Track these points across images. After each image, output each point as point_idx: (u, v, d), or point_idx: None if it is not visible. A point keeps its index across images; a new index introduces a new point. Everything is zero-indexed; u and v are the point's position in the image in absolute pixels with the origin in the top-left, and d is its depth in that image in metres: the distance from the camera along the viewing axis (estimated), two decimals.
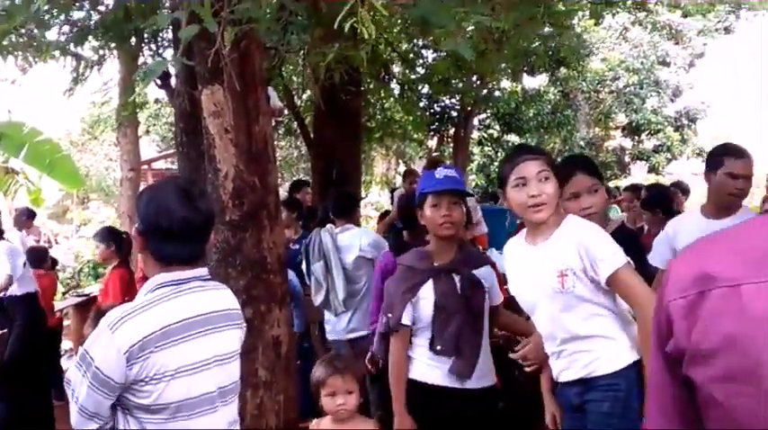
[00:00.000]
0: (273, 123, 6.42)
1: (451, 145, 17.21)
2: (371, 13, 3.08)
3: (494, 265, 4.48)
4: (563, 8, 9.87)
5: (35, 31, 6.21)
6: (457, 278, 4.06)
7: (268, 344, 4.63)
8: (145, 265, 2.79)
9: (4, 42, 6.02)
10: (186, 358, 2.62)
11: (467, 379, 4.03)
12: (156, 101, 15.40)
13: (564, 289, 3.39)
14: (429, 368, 4.05)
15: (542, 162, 3.43)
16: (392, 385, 4.05)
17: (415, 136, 16.49)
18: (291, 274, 6.00)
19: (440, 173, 4.12)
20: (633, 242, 3.99)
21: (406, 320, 4.02)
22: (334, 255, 6.03)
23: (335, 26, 3.10)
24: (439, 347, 4.00)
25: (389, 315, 4.08)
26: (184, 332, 2.62)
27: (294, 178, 17.49)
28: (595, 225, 3.49)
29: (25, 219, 11.20)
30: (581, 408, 3.50)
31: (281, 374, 4.73)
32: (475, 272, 4.13)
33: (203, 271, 2.78)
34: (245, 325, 2.99)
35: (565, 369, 3.53)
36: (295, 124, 11.88)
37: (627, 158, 24.01)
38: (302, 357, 6.51)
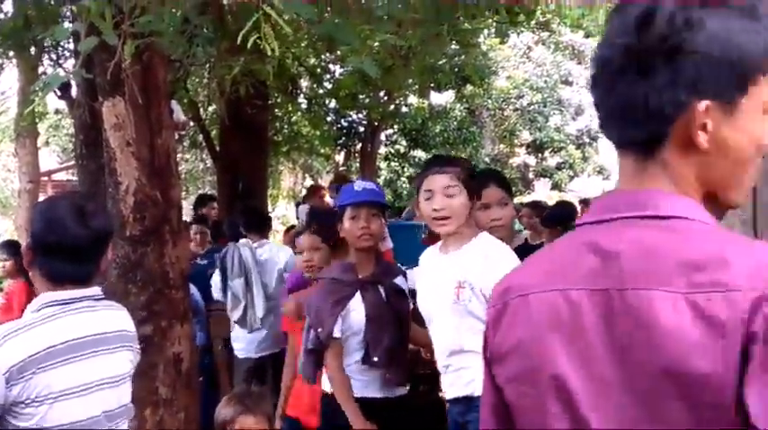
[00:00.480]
0: (177, 137, 6.35)
1: (358, 160, 17.24)
2: (276, 28, 3.08)
3: (405, 276, 4.52)
4: (468, 26, 10.02)
5: None
6: (381, 289, 4.10)
7: (169, 361, 4.57)
8: (34, 283, 2.73)
9: None
10: (71, 380, 2.56)
11: (395, 386, 4.10)
12: (57, 111, 15.12)
13: (458, 300, 3.46)
14: (363, 382, 4.06)
15: (451, 176, 3.49)
16: (342, 400, 3.98)
17: (322, 150, 16.53)
18: (193, 289, 5.93)
19: (358, 185, 4.21)
20: None
21: (337, 333, 4.01)
22: (254, 271, 6.02)
23: (239, 41, 3.11)
24: (375, 359, 4.00)
25: (319, 329, 4.04)
26: (70, 353, 2.57)
27: (200, 191, 17.35)
28: (507, 248, 3.57)
29: None
30: (464, 428, 3.55)
31: (183, 391, 4.68)
32: (396, 281, 4.20)
33: (95, 290, 2.72)
34: (138, 347, 2.92)
35: (450, 384, 3.60)
36: (201, 137, 11.76)
37: (531, 175, 24.43)
38: (204, 373, 6.43)
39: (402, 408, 4.12)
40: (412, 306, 4.24)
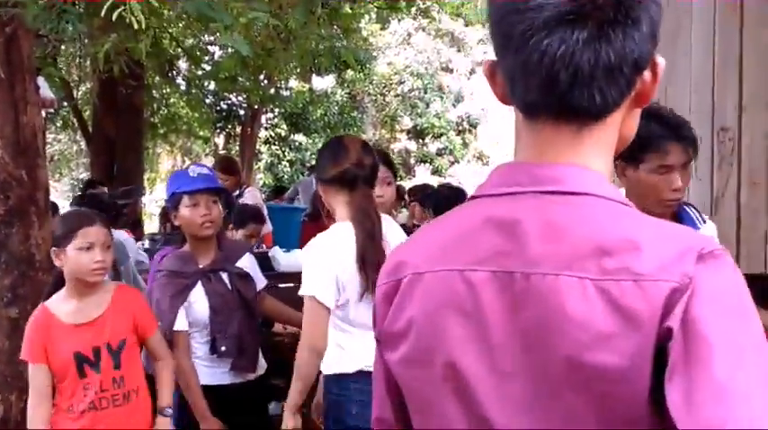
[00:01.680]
0: (45, 115, 6.17)
1: (238, 143, 17.15)
2: (146, 2, 3.00)
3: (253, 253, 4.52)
4: (349, 11, 10.06)
5: None
6: (225, 276, 4.05)
7: None
8: None
9: None
10: None
11: (250, 370, 4.09)
12: None
13: None
14: (210, 370, 4.02)
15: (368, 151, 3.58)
16: (188, 393, 3.94)
17: (201, 133, 16.51)
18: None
19: (193, 171, 4.08)
20: None
21: (181, 326, 3.94)
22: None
23: (103, 14, 3.02)
24: (223, 349, 3.98)
25: (159, 323, 3.94)
26: None
27: (72, 173, 17.00)
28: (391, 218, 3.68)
29: None
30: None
31: None
32: (240, 265, 4.14)
33: None
34: None
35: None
36: (73, 118, 11.48)
37: (412, 161, 24.59)
38: None
39: (254, 392, 4.13)
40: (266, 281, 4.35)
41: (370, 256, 3.38)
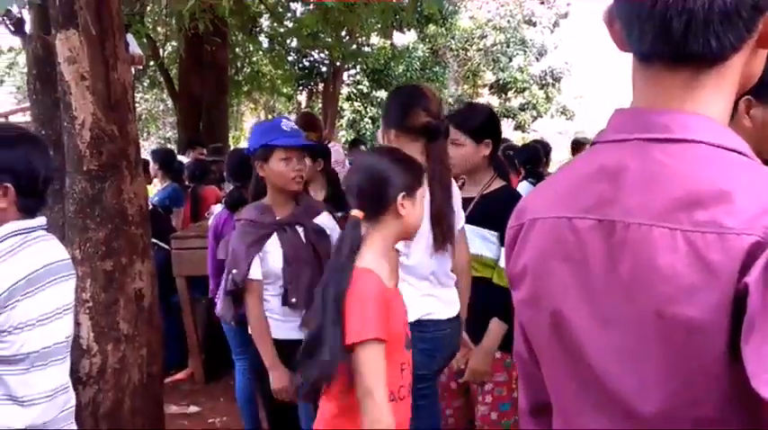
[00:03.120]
0: (134, 72, 6.26)
1: (321, 100, 17.23)
2: None
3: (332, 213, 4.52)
4: None
5: None
6: (301, 230, 4.08)
7: (130, 298, 4.54)
8: None
9: None
10: (45, 306, 2.60)
11: None
12: (11, 49, 14.87)
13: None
14: (282, 324, 4.08)
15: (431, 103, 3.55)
16: (258, 342, 4.02)
17: (284, 90, 16.57)
18: None
19: (286, 125, 4.09)
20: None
21: (255, 275, 4.00)
22: None
23: None
24: (294, 300, 4.01)
25: (234, 271, 4.03)
26: (45, 279, 2.60)
27: (159, 132, 17.28)
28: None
29: None
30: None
31: (144, 327, 4.65)
32: (317, 221, 4.16)
33: (43, 220, 2.74)
34: (74, 272, 2.92)
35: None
36: (160, 77, 11.65)
37: None
38: (168, 311, 6.38)
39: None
40: None
41: (444, 212, 3.41)
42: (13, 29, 5.69)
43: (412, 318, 3.28)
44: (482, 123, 4.04)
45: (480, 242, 3.84)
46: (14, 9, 5.39)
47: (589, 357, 1.25)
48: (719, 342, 1.09)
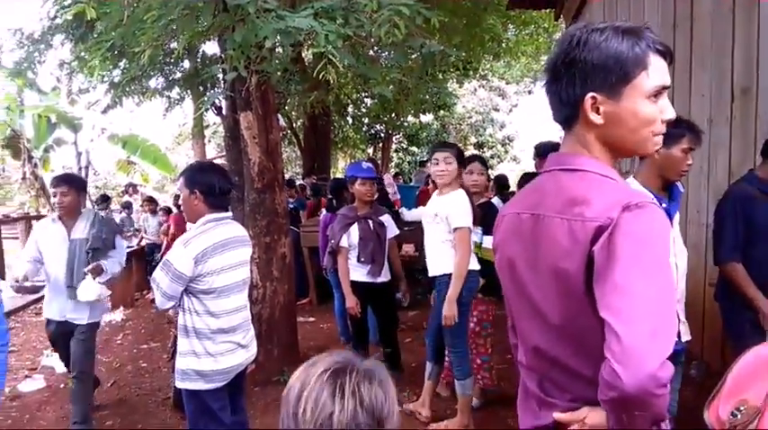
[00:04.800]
0: (281, 136, 6.32)
1: (380, 152, 17.20)
2: (334, 71, 3.05)
3: (391, 214, 4.50)
4: (441, 77, 10.00)
5: (143, 81, 6.04)
6: (371, 222, 4.10)
7: (279, 257, 4.62)
8: (192, 208, 2.67)
9: (126, 89, 5.86)
10: (226, 261, 2.60)
11: (378, 276, 4.13)
12: (214, 123, 15.10)
13: (433, 222, 3.50)
14: (357, 271, 4.11)
15: (449, 152, 3.50)
16: (342, 281, 4.08)
17: (361, 146, 16.61)
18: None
19: (365, 165, 4.19)
20: (491, 210, 3.93)
21: (343, 244, 4.07)
22: None
23: (314, 79, 3.09)
24: (362, 259, 4.08)
25: (332, 241, 4.14)
26: (224, 246, 2.60)
27: (291, 169, 17.41)
28: (467, 200, 3.51)
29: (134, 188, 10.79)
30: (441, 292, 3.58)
31: (286, 274, 4.73)
32: (380, 218, 4.17)
33: (229, 214, 2.75)
34: (251, 245, 2.91)
35: (429, 268, 3.59)
36: (293, 137, 11.73)
37: None
38: (298, 266, 6.42)
39: (380, 289, 4.17)
40: (398, 231, 4.36)
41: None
42: (216, 112, 5.80)
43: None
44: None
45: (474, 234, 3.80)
46: (217, 101, 5.50)
47: (525, 287, 1.27)
48: (582, 283, 1.13)
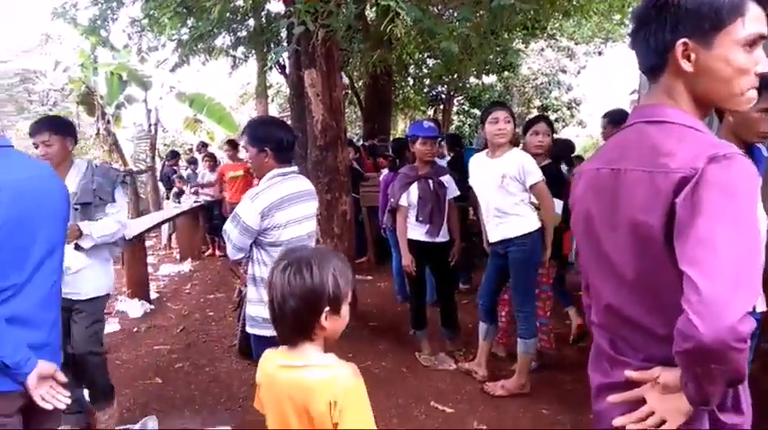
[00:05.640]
0: (342, 94, 6.34)
1: (441, 114, 16.98)
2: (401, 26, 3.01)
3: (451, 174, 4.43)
4: (507, 37, 9.71)
5: (209, 40, 6.15)
6: (430, 182, 4.07)
7: (340, 214, 4.69)
8: (262, 165, 2.66)
9: (193, 47, 5.99)
10: (292, 215, 2.62)
11: (436, 236, 4.10)
12: (276, 83, 15.24)
13: (502, 184, 3.42)
14: (415, 230, 4.10)
15: (507, 112, 3.50)
16: (400, 239, 4.10)
17: (422, 108, 16.46)
18: None
19: (426, 124, 4.12)
20: (556, 174, 3.96)
21: (402, 202, 4.07)
22: None
23: (381, 37, 3.07)
24: (420, 218, 4.06)
25: (392, 200, 4.14)
26: (290, 200, 2.62)
27: (350, 130, 17.50)
28: (529, 156, 3.51)
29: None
30: (504, 256, 3.57)
31: (346, 231, 4.80)
32: (441, 178, 4.13)
33: (295, 168, 2.75)
34: (317, 198, 2.90)
35: (494, 232, 3.58)
36: (353, 97, 11.74)
37: None
38: (357, 224, 6.50)
39: (438, 248, 4.14)
40: (459, 192, 4.28)
41: None
42: (280, 70, 5.86)
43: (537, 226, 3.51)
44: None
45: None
46: (281, 60, 5.54)
47: (601, 243, 1.25)
48: (662, 236, 1.10)
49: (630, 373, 1.18)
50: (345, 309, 1.48)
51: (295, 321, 1.43)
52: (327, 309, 1.42)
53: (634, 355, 1.21)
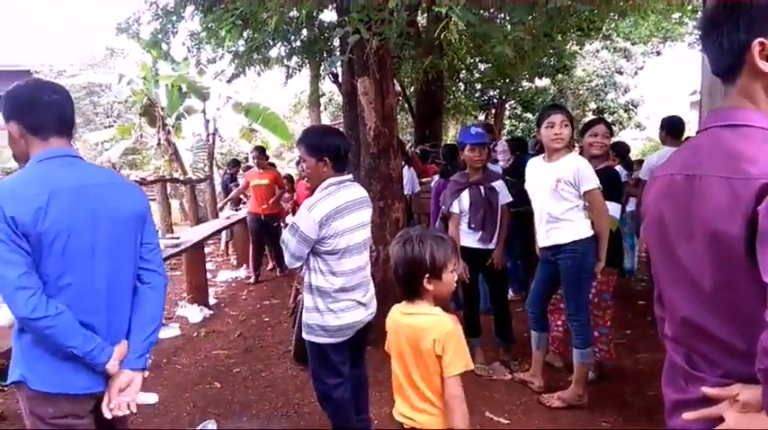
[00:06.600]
0: (395, 101, 6.34)
1: (494, 118, 16.80)
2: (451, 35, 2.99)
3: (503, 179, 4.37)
4: (560, 39, 9.55)
5: (265, 51, 6.28)
6: (482, 188, 4.02)
7: (392, 221, 4.66)
8: (320, 175, 2.67)
9: (249, 58, 6.13)
10: (348, 224, 2.64)
11: (489, 243, 4.06)
12: (330, 92, 15.42)
13: (556, 189, 3.35)
14: (468, 237, 4.05)
15: (564, 115, 3.43)
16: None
17: (473, 113, 16.36)
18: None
19: (474, 130, 4.09)
20: (614, 177, 3.80)
21: (454, 209, 4.05)
22: None
23: (433, 42, 3.05)
24: (473, 225, 4.02)
25: (443, 207, 4.14)
26: (346, 209, 2.63)
27: (402, 136, 17.52)
28: (587, 161, 3.43)
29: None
30: (554, 263, 3.48)
31: None
32: (492, 184, 4.07)
33: (350, 176, 2.76)
34: (371, 206, 2.91)
35: (546, 238, 3.50)
36: (405, 104, 11.75)
37: None
38: None
39: (490, 253, 4.08)
40: (511, 198, 4.18)
41: None
42: (333, 79, 5.92)
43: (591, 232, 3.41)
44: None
45: None
46: (334, 69, 5.61)
47: (676, 253, 1.20)
48: (742, 246, 1.03)
49: (708, 390, 1.12)
50: (447, 276, 1.91)
51: (405, 283, 1.93)
52: (427, 275, 1.88)
53: (711, 371, 1.15)
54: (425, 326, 1.87)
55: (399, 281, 1.94)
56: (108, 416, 1.78)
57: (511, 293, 5.39)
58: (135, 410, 1.83)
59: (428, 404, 1.89)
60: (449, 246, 1.91)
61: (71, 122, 1.84)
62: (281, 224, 7.50)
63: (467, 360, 1.85)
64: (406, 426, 1.95)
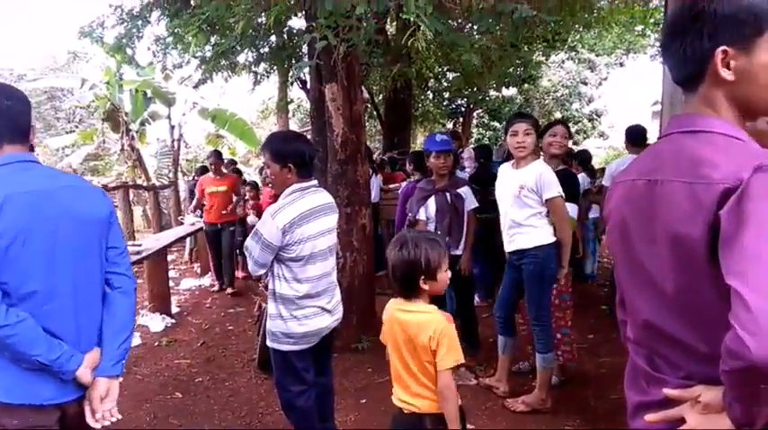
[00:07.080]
0: (363, 108, 6.33)
1: (461, 126, 16.96)
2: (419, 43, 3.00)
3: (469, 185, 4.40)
4: (527, 50, 9.71)
5: (232, 56, 6.21)
6: (448, 194, 4.07)
7: (359, 227, 4.66)
8: (285, 181, 2.64)
9: (216, 64, 6.05)
10: (313, 230, 2.61)
11: (455, 249, 4.10)
12: (298, 98, 15.35)
13: (519, 195, 3.39)
14: None
15: (528, 124, 3.45)
16: None
17: (441, 121, 16.48)
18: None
19: (438, 137, 4.17)
20: (571, 178, 3.90)
21: (420, 216, 4.09)
22: None
23: (401, 50, 3.06)
24: (439, 231, 4.03)
25: (410, 213, 4.18)
26: (311, 215, 2.61)
27: (370, 143, 17.55)
28: (548, 167, 3.47)
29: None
30: (519, 268, 3.51)
31: (366, 245, 4.76)
32: (458, 190, 4.12)
33: (315, 182, 2.74)
34: (337, 211, 2.90)
35: (510, 242, 3.54)
36: (373, 111, 11.77)
37: None
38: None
39: (457, 261, 4.10)
40: (477, 204, 4.25)
41: None
42: (301, 85, 5.89)
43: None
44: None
45: None
46: (302, 76, 5.58)
47: (638, 257, 1.21)
48: (704, 249, 1.05)
49: (670, 391, 1.13)
50: (441, 276, 2.05)
51: (402, 283, 2.07)
52: (423, 276, 2.01)
53: (673, 373, 1.16)
54: (422, 323, 2.03)
55: (397, 281, 2.08)
56: (96, 426, 1.74)
57: (477, 299, 5.41)
58: (120, 417, 1.79)
59: (425, 389, 2.06)
60: (442, 247, 2.07)
61: (26, 129, 1.76)
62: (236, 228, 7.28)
63: (459, 354, 2.01)
64: (405, 411, 2.11)
